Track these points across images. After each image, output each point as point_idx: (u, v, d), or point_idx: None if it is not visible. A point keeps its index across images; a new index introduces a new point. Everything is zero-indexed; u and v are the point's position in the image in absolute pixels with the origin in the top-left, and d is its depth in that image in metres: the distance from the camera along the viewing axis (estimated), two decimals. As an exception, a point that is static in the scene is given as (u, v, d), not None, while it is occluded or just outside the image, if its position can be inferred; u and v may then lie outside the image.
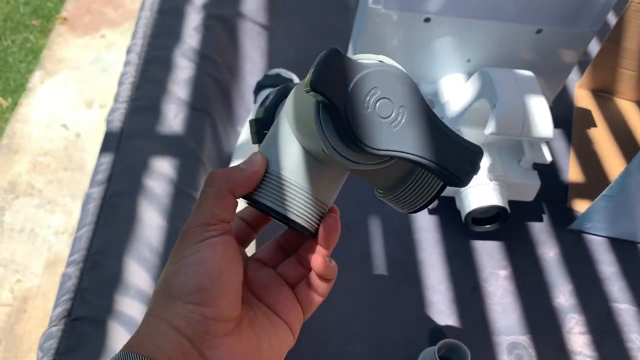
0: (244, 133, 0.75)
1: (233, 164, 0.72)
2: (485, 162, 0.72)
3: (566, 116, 0.93)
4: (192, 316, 0.34)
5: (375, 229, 0.73)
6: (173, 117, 0.75)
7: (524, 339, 0.67)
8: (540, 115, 0.65)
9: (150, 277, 0.60)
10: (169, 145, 0.72)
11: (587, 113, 0.95)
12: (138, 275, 0.60)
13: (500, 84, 0.64)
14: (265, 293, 0.40)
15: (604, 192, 0.72)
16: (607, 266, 0.75)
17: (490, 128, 0.65)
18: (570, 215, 0.80)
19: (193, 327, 0.34)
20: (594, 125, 0.93)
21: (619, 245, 0.78)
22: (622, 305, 0.71)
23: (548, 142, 0.72)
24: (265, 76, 0.81)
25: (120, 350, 0.33)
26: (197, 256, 0.35)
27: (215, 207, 0.36)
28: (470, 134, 0.70)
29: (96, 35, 1.81)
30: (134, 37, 0.86)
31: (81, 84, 1.68)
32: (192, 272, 0.35)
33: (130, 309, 0.58)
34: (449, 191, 0.73)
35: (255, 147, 0.67)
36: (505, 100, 0.63)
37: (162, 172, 0.69)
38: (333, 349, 0.64)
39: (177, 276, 0.35)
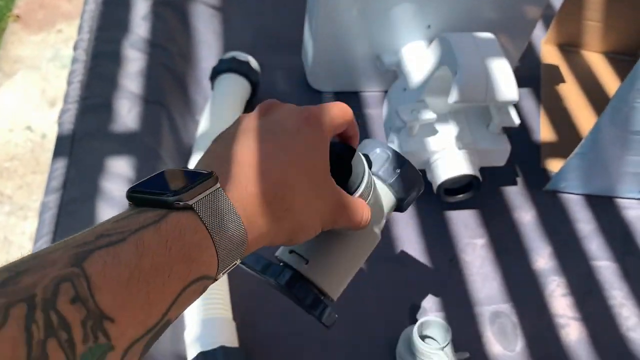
0: (204, 122, 0.73)
1: (194, 156, 0.69)
2: (453, 130, 0.70)
3: (534, 74, 0.91)
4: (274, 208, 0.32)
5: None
6: (127, 113, 0.72)
7: (506, 307, 0.66)
8: (503, 78, 0.62)
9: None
10: (125, 144, 0.69)
11: (555, 69, 0.93)
12: (102, 283, 0.58)
13: (460, 50, 0.62)
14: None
15: (576, 150, 0.71)
16: (585, 224, 0.74)
17: (453, 96, 0.62)
18: (545, 176, 0.79)
19: (269, 218, 0.32)
20: (563, 81, 0.91)
21: (595, 202, 0.76)
22: (601, 262, 0.71)
23: (516, 103, 0.70)
24: (221, 61, 0.77)
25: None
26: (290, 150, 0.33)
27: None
28: (435, 104, 0.68)
29: (52, 31, 1.74)
30: (79, 32, 0.82)
31: (42, 82, 1.62)
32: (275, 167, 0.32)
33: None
34: (419, 164, 0.71)
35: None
36: (466, 66, 0.61)
37: (119, 173, 0.66)
38: (310, 333, 0.62)
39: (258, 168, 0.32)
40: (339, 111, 0.36)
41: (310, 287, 0.42)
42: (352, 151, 0.38)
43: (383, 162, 0.45)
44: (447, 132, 0.70)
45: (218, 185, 0.29)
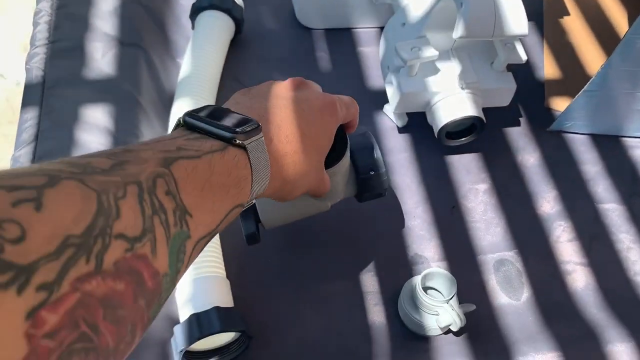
0: (186, 65, 0.67)
1: (177, 103, 0.64)
2: (455, 68, 0.65)
3: (536, 7, 0.86)
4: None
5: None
6: (101, 57, 0.66)
7: (510, 255, 0.63)
8: (512, 10, 0.57)
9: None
10: (101, 91, 0.64)
11: (558, 1, 0.87)
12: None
13: (466, -21, 0.56)
14: None
15: (585, 88, 0.66)
16: (591, 166, 0.71)
17: (459, 31, 0.57)
18: (549, 115, 0.75)
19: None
20: (567, 14, 0.86)
21: (601, 142, 0.73)
22: (608, 205, 0.68)
23: (521, 39, 0.65)
24: (201, -3, 0.71)
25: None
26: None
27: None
28: (436, 40, 0.63)
29: (19, -30, 1.63)
30: (44, -34, 0.75)
31: (11, 27, 1.53)
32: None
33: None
34: (418, 105, 0.67)
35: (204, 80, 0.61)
36: (472, -3, 0.56)
37: (96, 122, 0.61)
38: (308, 288, 0.59)
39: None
40: (353, 107, 0.45)
41: (253, 210, 0.51)
42: (345, 140, 0.47)
43: (365, 157, 0.52)
44: (450, 71, 0.65)
45: (262, 135, 0.35)
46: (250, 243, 0.51)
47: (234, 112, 0.36)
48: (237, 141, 0.33)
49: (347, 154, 0.48)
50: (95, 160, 0.26)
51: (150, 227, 0.26)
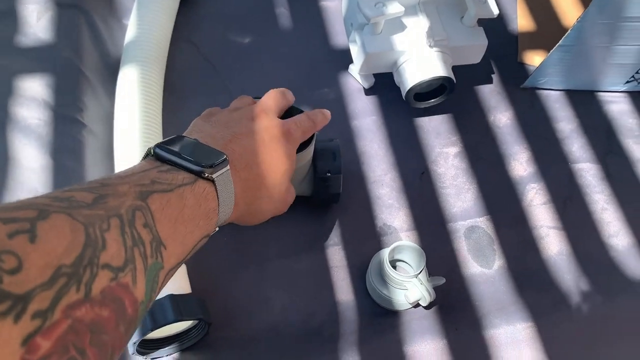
0: (132, 28, 0.61)
1: (123, 70, 0.59)
2: (423, 25, 0.60)
3: (510, -47, 0.80)
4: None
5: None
6: (36, 21, 0.60)
7: (481, 221, 0.61)
8: (482, -39, 0.53)
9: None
10: (38, 59, 0.58)
11: (533, -54, 0.82)
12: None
13: None
14: None
15: (560, 42, 0.63)
16: (566, 124, 0.68)
17: (423, -15, 0.53)
18: (523, 71, 0.71)
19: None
20: (542, -40, 0.81)
21: (576, 98, 0.70)
22: (583, 164, 0.65)
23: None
24: (145, -49, 0.64)
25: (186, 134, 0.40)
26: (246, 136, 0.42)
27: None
28: (402, -6, 0.58)
29: None
30: None
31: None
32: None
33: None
34: (385, 66, 0.62)
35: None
36: (438, -53, 0.51)
37: (33, 95, 0.56)
38: (273, 266, 0.56)
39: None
40: (308, 123, 0.46)
41: None
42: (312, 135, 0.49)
43: (326, 160, 0.54)
44: (417, 28, 0.60)
45: (228, 167, 0.37)
46: None
47: (202, 143, 0.38)
48: (206, 174, 0.35)
49: (311, 149, 0.50)
50: (78, 194, 0.28)
51: (131, 258, 0.27)
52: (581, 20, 0.60)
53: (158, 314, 0.46)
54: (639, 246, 0.60)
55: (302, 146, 0.48)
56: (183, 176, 0.34)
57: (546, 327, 0.53)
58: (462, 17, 0.62)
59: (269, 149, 0.42)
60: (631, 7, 0.58)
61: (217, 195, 0.36)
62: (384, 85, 0.66)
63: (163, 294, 0.47)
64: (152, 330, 0.46)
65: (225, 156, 0.37)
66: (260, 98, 0.50)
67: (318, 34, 0.71)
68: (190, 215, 0.33)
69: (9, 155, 0.52)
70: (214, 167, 0.35)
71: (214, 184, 0.35)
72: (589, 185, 0.64)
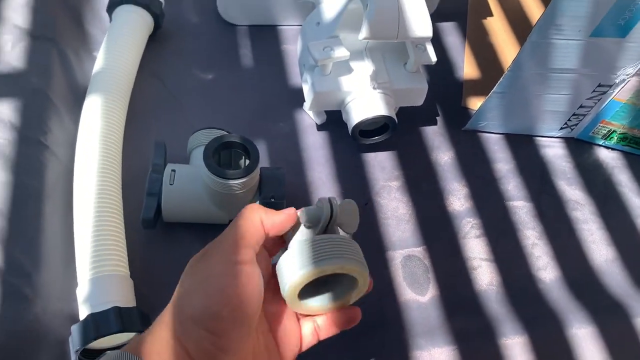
0: (99, 60, 0.66)
1: (89, 98, 0.63)
2: (368, 68, 0.66)
3: (460, 7, 0.88)
4: (204, 344, 0.35)
5: (261, 148, 0.67)
6: (10, 50, 0.65)
7: (418, 251, 0.65)
8: (417, 13, 0.58)
9: (-3, 242, 0.53)
10: (8, 85, 0.62)
11: (482, 2, 0.89)
12: (-18, 241, 0.53)
13: (371, -19, 0.57)
14: (277, 325, 0.43)
15: (494, 89, 0.68)
16: (503, 164, 0.73)
17: (363, 32, 0.58)
18: (466, 115, 0.77)
19: (201, 353, 0.35)
20: (491, 15, 0.88)
21: (514, 141, 0.75)
22: (517, 202, 0.70)
23: (439, 39, 0.67)
24: (117, -9, 0.70)
25: (123, 349, 0.35)
26: (221, 281, 0.36)
27: (248, 233, 0.39)
28: (348, 40, 0.64)
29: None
30: (-45, -45, 0.72)
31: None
32: (214, 297, 0.35)
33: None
34: (333, 104, 0.67)
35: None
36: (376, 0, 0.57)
37: (1, 117, 0.60)
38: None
39: (197, 297, 0.36)
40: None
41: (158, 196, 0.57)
42: (256, 155, 0.56)
43: (271, 186, 0.58)
44: (363, 71, 0.66)
45: None
46: (145, 227, 0.56)
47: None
48: None
49: (256, 172, 0.55)
50: None
51: None
52: (512, 69, 0.65)
53: (102, 323, 0.49)
54: (564, 279, 0.64)
55: (247, 171, 0.53)
56: None
57: (469, 351, 0.57)
58: (405, 63, 0.67)
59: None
60: (556, 59, 0.64)
61: None
62: (335, 122, 0.71)
63: (108, 305, 0.50)
64: (95, 339, 0.48)
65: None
66: (221, 130, 0.55)
67: (277, 73, 0.76)
68: None
69: (-27, 173, 0.56)
70: None
71: None
72: (521, 221, 0.69)
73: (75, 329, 0.50)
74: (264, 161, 0.67)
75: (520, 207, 0.70)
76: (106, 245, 0.54)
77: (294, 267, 0.41)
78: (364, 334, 0.58)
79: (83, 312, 0.51)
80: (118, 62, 0.66)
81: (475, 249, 0.66)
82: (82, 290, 0.52)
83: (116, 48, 0.66)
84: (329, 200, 0.45)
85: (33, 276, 0.52)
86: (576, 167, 0.74)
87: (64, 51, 0.68)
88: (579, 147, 0.76)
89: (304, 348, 0.45)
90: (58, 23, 0.70)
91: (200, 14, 0.79)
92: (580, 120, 0.73)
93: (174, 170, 0.57)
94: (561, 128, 0.75)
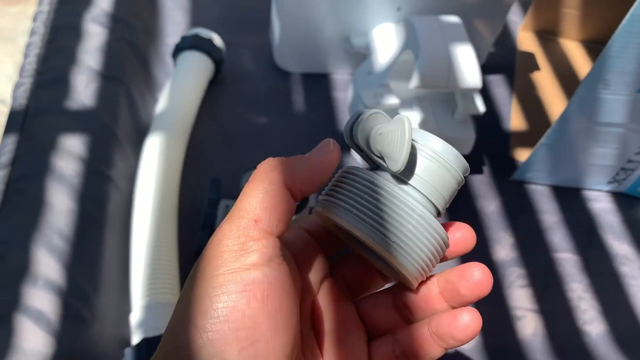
0: (162, 101, 0.70)
1: (151, 136, 0.67)
2: (417, 116, 0.68)
3: (509, 61, 0.90)
4: None
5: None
6: (83, 89, 0.70)
7: (463, 298, 0.65)
8: (466, 64, 0.61)
9: (61, 266, 0.56)
10: (79, 121, 0.67)
11: (530, 56, 0.91)
12: (47, 265, 0.56)
13: (423, 33, 0.60)
14: (334, 346, 0.29)
15: (541, 140, 0.69)
16: (550, 215, 0.73)
17: (414, 81, 0.61)
18: (513, 165, 0.77)
19: None
20: (538, 69, 0.90)
21: (561, 193, 0.75)
22: (563, 254, 0.70)
23: (487, 90, 0.69)
24: (183, 38, 0.75)
25: None
26: (228, 307, 0.24)
27: (262, 210, 0.25)
28: (400, 89, 0.66)
29: (30, 2, 1.70)
30: (40, 3, 0.79)
31: (18, 55, 1.59)
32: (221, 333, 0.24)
33: (40, 301, 0.54)
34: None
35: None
36: (427, 50, 0.59)
37: (71, 150, 0.64)
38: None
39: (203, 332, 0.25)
40: None
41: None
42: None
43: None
44: (412, 119, 0.68)
45: None
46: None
47: None
48: None
49: (305, 211, 0.57)
50: None
51: None
52: (559, 121, 0.66)
53: (154, 348, 0.51)
54: (612, 334, 0.63)
55: (297, 209, 0.55)
56: None
57: (514, 401, 0.56)
58: (454, 112, 0.69)
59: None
60: (604, 114, 0.65)
61: None
62: (382, 167, 0.73)
63: (160, 331, 0.52)
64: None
65: None
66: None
67: (327, 119, 0.79)
68: None
69: (44, 198, 0.60)
70: None
71: None
72: (568, 273, 0.68)
73: (128, 352, 0.52)
74: (311, 201, 0.70)
75: (567, 260, 0.69)
76: (160, 273, 0.56)
77: (340, 203, 0.30)
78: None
79: (136, 337, 0.53)
80: (180, 104, 0.70)
81: (521, 298, 0.66)
82: (136, 316, 0.54)
83: (179, 90, 0.71)
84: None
85: (92, 300, 0.55)
86: (624, 221, 0.74)
87: (130, 91, 0.73)
88: (628, 202, 0.76)
89: None
90: (127, 65, 0.75)
91: (257, 61, 0.83)
92: (629, 175, 0.73)
93: (227, 206, 0.60)
94: (609, 182, 0.75)
